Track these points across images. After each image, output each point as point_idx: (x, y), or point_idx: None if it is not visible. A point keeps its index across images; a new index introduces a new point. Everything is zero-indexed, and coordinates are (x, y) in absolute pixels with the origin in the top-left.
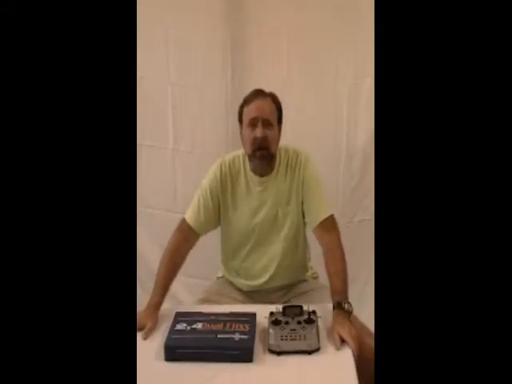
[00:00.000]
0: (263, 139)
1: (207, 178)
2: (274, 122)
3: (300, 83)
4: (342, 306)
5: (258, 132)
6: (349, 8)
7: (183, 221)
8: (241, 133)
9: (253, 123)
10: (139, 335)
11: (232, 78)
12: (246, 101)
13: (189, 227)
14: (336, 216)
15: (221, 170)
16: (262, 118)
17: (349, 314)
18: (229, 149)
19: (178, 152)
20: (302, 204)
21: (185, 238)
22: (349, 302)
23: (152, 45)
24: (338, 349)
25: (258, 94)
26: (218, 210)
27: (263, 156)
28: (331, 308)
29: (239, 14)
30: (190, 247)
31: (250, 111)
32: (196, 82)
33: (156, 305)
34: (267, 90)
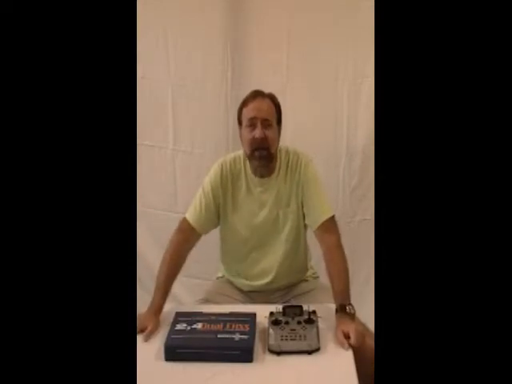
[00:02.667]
0: (263, 140)
1: (208, 177)
2: (274, 122)
3: (300, 83)
4: (345, 309)
5: (257, 132)
6: (349, 8)
7: (184, 220)
8: (240, 134)
9: (252, 123)
10: (140, 337)
11: (232, 78)
12: (245, 101)
13: (190, 227)
14: (336, 216)
15: (221, 169)
16: (261, 118)
17: (352, 316)
18: (229, 149)
19: (178, 152)
20: (303, 206)
21: (186, 239)
22: (351, 304)
23: (152, 45)
24: (346, 349)
25: (257, 94)
26: (219, 209)
27: (262, 156)
28: (331, 308)
29: (239, 13)
30: (191, 247)
31: (249, 111)
32: (196, 83)
33: (157, 307)
34: (267, 90)
